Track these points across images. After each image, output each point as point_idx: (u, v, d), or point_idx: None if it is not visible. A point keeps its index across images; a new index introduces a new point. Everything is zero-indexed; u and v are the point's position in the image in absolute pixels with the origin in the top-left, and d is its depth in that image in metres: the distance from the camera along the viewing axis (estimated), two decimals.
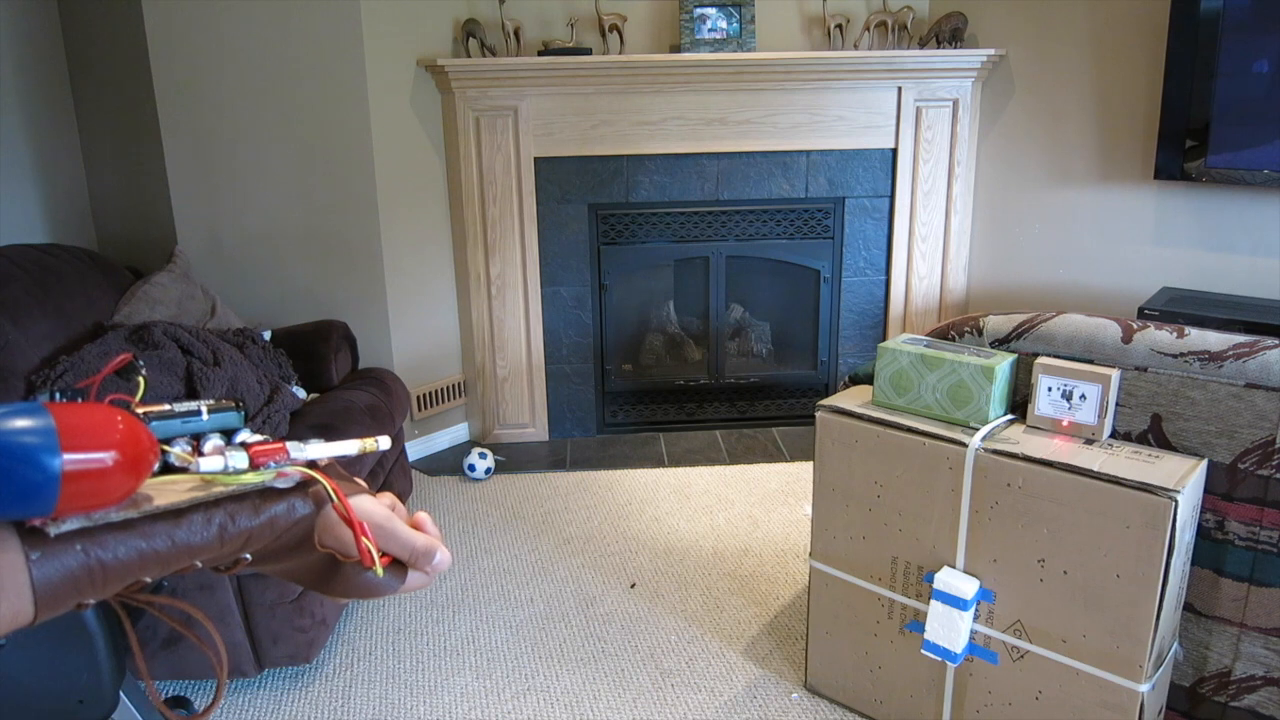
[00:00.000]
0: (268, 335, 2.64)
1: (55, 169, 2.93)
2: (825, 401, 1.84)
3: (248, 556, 0.55)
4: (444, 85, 3.07)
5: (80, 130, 2.98)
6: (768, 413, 3.57)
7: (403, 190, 3.09)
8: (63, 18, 2.90)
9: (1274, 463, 1.47)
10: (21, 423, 0.42)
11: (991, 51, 3.11)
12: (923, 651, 1.70)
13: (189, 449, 0.57)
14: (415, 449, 3.31)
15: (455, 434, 3.45)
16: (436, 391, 3.34)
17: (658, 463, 3.24)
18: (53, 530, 0.44)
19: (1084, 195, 3.14)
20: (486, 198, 3.17)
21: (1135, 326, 1.63)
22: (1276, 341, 1.51)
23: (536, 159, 3.16)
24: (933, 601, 1.67)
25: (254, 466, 0.55)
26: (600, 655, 2.17)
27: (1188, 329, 1.59)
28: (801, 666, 2.10)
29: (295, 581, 0.61)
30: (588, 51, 3.08)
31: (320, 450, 0.59)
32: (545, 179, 3.19)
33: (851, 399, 1.83)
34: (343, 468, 0.62)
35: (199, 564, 0.51)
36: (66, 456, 0.42)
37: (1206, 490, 1.54)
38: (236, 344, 2.43)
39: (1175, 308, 2.71)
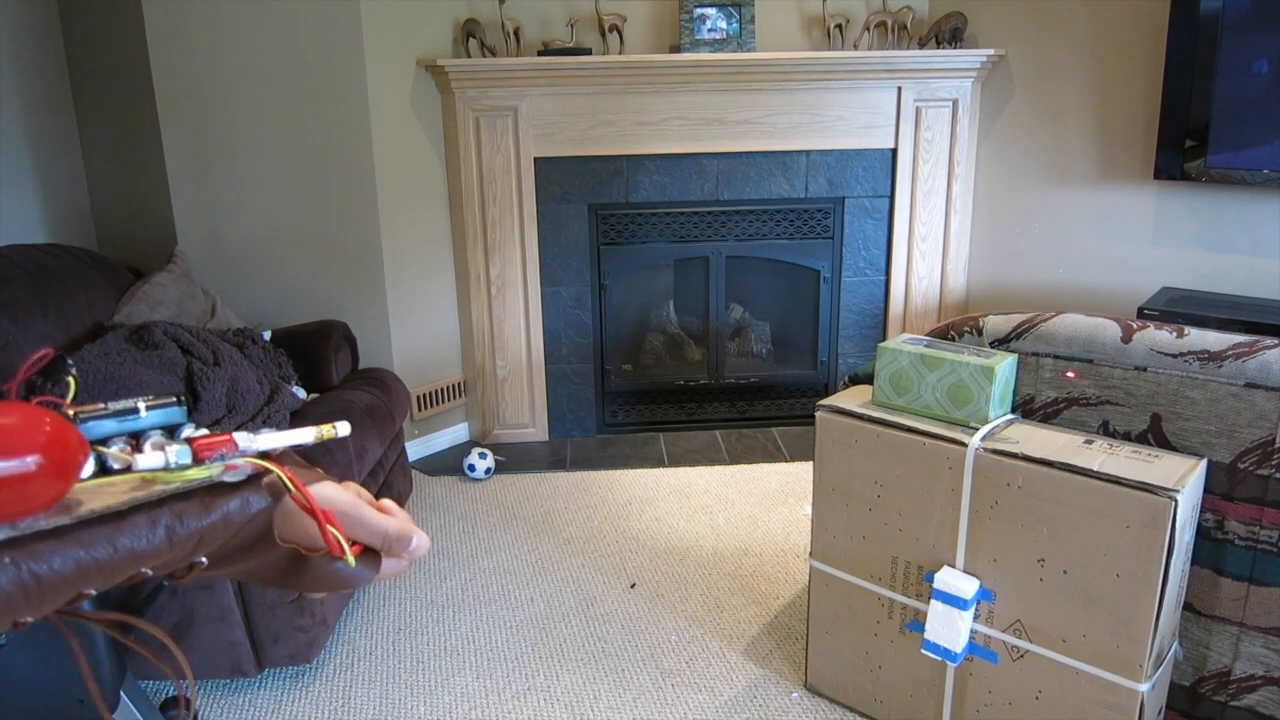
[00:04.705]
0: (268, 335, 2.64)
1: (55, 169, 2.93)
2: (825, 401, 1.84)
3: (203, 560, 0.51)
4: (444, 85, 3.07)
5: (80, 130, 2.99)
6: (768, 413, 3.57)
7: (403, 190, 3.09)
8: (63, 18, 2.90)
9: (1274, 462, 1.47)
10: None
11: (991, 51, 3.11)
12: (923, 651, 1.71)
13: (127, 449, 0.53)
14: (415, 449, 3.31)
15: (455, 434, 3.45)
16: (436, 391, 3.34)
17: (658, 463, 3.25)
18: None
19: (1084, 195, 3.14)
20: (486, 198, 3.17)
21: (1135, 326, 1.63)
22: (1276, 341, 1.51)
23: (536, 159, 3.16)
24: (933, 601, 1.67)
25: (199, 461, 0.51)
26: (600, 655, 2.17)
27: (1187, 329, 1.59)
28: (802, 666, 2.10)
29: (259, 582, 0.56)
30: (588, 52, 3.09)
31: (272, 440, 0.54)
32: (545, 179, 3.19)
33: (851, 399, 1.83)
34: (310, 459, 0.59)
35: (148, 571, 0.47)
36: None
37: (1206, 490, 1.54)
38: (236, 344, 2.44)
39: (1175, 307, 2.71)
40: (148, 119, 2.80)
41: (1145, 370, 1.57)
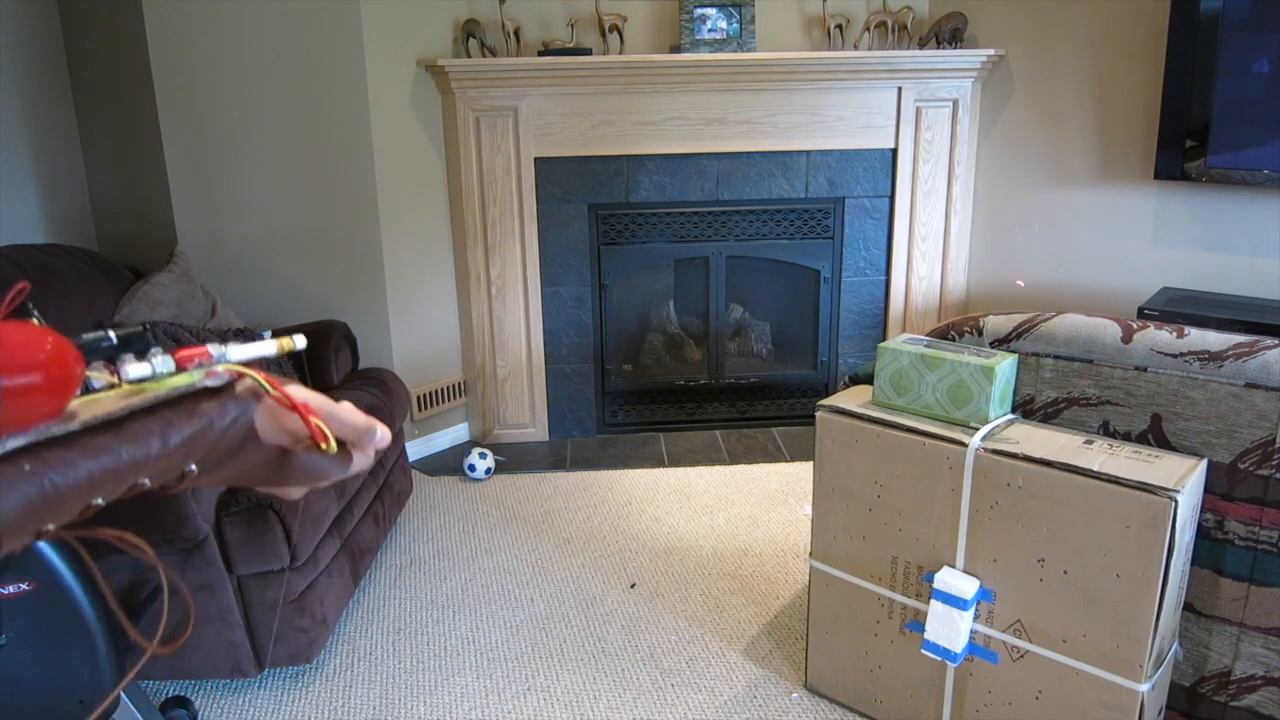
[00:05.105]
0: (268, 335, 2.64)
1: (55, 169, 2.93)
2: (825, 401, 1.84)
3: (193, 468, 0.54)
4: (444, 85, 3.07)
5: (80, 130, 2.99)
6: (768, 413, 3.57)
7: (403, 190, 3.09)
8: (63, 18, 2.90)
9: (1274, 462, 1.47)
10: None
11: (991, 52, 3.11)
12: (922, 651, 1.71)
13: (105, 371, 0.57)
14: (415, 449, 3.31)
15: (455, 434, 3.45)
16: (436, 391, 3.34)
17: (658, 463, 3.25)
18: None
19: (1084, 195, 3.14)
20: (486, 198, 3.17)
21: (1135, 326, 1.63)
22: (1276, 341, 1.51)
23: (537, 159, 3.16)
24: (933, 601, 1.67)
25: (181, 369, 0.55)
26: (600, 655, 2.17)
27: (1187, 329, 1.59)
28: (801, 666, 2.10)
29: (248, 484, 0.61)
30: (588, 52, 3.09)
31: (239, 351, 0.59)
32: (545, 179, 3.19)
33: (851, 399, 1.83)
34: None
35: (146, 482, 0.51)
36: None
37: (1206, 490, 1.54)
38: None
39: (1175, 308, 2.71)
40: (148, 119, 2.80)
41: (1145, 370, 1.57)
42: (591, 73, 3.05)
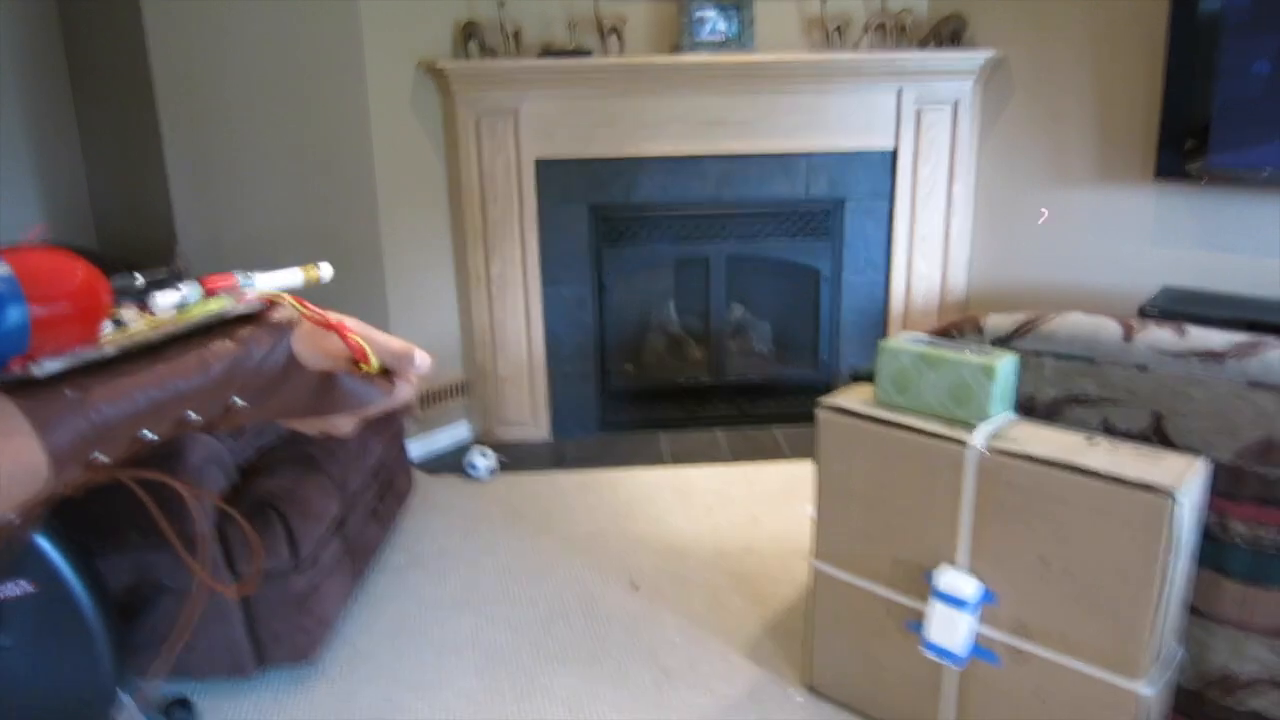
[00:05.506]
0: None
1: (55, 169, 2.93)
2: (826, 400, 1.84)
3: (238, 401, 0.53)
4: (444, 87, 3.07)
5: (80, 130, 2.99)
6: (769, 411, 3.57)
7: (403, 191, 3.09)
8: (63, 18, 2.90)
9: (1275, 461, 1.47)
10: None
11: (991, 53, 3.11)
12: (924, 651, 1.70)
13: (137, 310, 0.56)
14: (416, 448, 3.31)
15: (456, 433, 3.45)
16: (438, 391, 3.34)
17: (659, 462, 3.25)
18: (35, 371, 0.44)
19: (1084, 195, 3.15)
20: (487, 199, 3.17)
21: (1136, 325, 1.63)
22: (1277, 340, 1.51)
23: (537, 160, 3.16)
24: (934, 601, 1.67)
25: (210, 295, 0.55)
26: (602, 655, 2.17)
27: (1188, 328, 1.59)
28: (803, 666, 2.10)
29: (294, 415, 0.60)
30: (588, 53, 3.09)
31: (266, 280, 0.59)
32: (546, 180, 3.19)
33: (852, 398, 1.83)
34: None
35: (193, 415, 0.50)
36: (33, 306, 0.43)
37: (1208, 490, 1.54)
38: None
39: (1176, 307, 2.71)
40: (148, 119, 2.81)
41: (1147, 369, 1.58)
42: (591, 74, 3.05)
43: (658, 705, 1.99)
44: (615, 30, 3.12)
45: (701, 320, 3.58)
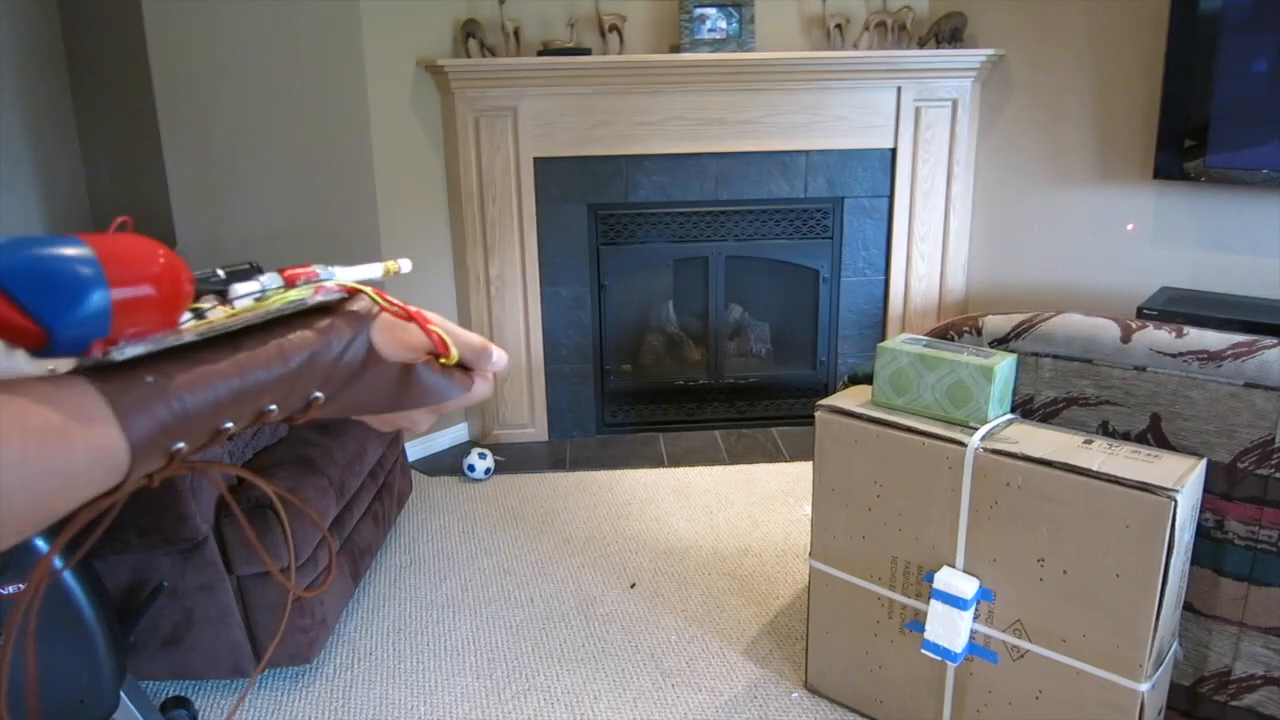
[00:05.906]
0: None
1: (55, 169, 2.93)
2: (825, 401, 1.84)
3: (319, 395, 0.53)
4: (444, 85, 3.07)
5: (80, 130, 2.99)
6: (767, 412, 3.57)
7: (402, 190, 3.09)
8: (63, 18, 2.90)
9: (1273, 462, 1.47)
10: (70, 251, 0.41)
11: (991, 51, 3.11)
12: (922, 651, 1.71)
13: (217, 302, 0.56)
14: (415, 449, 3.31)
15: (455, 434, 3.45)
16: None
17: (657, 463, 3.25)
18: (115, 354, 0.43)
19: (1083, 195, 3.15)
20: (486, 198, 3.17)
21: (1134, 326, 1.63)
22: (1275, 341, 1.51)
23: (536, 159, 3.16)
24: (932, 601, 1.67)
25: (290, 285, 0.53)
26: (600, 655, 2.17)
27: (1186, 328, 1.59)
28: (802, 666, 2.10)
29: (374, 415, 0.59)
30: (587, 52, 3.09)
31: (346, 274, 0.57)
32: (545, 179, 3.19)
33: (851, 399, 1.83)
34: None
35: (273, 408, 0.50)
36: (114, 290, 0.42)
37: (1206, 490, 1.54)
38: None
39: (1174, 307, 2.71)
40: (147, 119, 2.80)
41: (1145, 370, 1.58)
42: (591, 73, 3.05)
43: (656, 705, 1.99)
44: (615, 28, 3.12)
45: (700, 321, 3.58)
